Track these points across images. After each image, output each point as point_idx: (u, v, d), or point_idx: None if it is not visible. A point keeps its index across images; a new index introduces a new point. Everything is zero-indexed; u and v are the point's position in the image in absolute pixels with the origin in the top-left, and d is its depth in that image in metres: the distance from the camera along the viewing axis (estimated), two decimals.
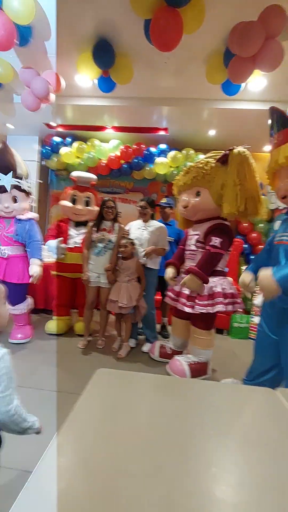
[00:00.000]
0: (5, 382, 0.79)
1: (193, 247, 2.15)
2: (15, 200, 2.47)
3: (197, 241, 2.13)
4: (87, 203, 2.92)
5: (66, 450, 0.51)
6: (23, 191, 2.50)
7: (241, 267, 4.10)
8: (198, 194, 2.05)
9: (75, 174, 2.96)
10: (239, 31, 1.95)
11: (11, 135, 4.63)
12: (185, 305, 2.05)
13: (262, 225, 4.02)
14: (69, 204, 2.85)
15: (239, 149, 1.88)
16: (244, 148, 1.89)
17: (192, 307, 2.01)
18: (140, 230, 2.68)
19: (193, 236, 2.18)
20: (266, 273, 1.31)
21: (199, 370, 2.08)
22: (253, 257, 4.11)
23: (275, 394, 0.78)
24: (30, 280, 2.43)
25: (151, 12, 1.90)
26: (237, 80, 2.34)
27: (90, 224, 2.68)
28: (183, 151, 4.13)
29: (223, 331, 3.48)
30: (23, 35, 2.21)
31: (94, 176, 3.03)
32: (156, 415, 0.67)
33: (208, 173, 1.96)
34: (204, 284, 1.96)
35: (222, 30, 2.25)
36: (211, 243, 1.98)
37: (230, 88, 2.66)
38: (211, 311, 1.95)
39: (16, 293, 2.52)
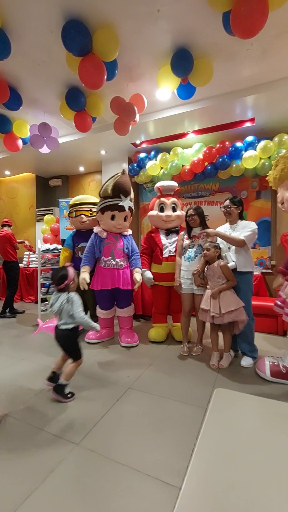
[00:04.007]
0: (80, 307, 1.79)
1: None
2: (125, 219, 2.83)
3: None
4: (174, 209, 2.96)
5: (201, 490, 0.50)
6: (131, 211, 2.89)
7: None
8: None
9: (159, 184, 3.06)
10: None
11: (105, 160, 5.23)
12: None
13: None
14: (158, 212, 2.96)
15: None
16: None
17: None
18: (227, 233, 2.51)
19: None
20: None
21: None
22: None
23: None
24: (135, 287, 2.76)
25: (230, 3, 1.80)
26: None
27: (182, 233, 2.72)
28: (274, 139, 3.70)
29: None
30: (110, 70, 2.46)
31: (175, 183, 3.08)
32: (284, 450, 0.58)
33: None
34: None
35: None
36: None
37: None
38: None
39: (126, 298, 2.94)
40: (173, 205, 2.96)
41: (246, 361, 2.40)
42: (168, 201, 2.95)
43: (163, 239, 2.94)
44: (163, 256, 2.89)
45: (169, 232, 2.97)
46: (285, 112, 3.53)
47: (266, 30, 2.20)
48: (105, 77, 2.38)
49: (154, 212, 2.99)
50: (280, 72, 2.87)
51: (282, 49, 2.51)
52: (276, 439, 0.64)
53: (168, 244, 2.92)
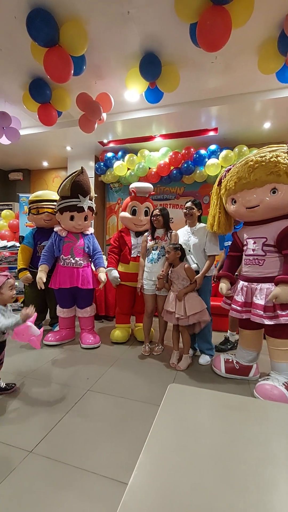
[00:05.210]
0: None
1: (259, 252, 1.99)
2: (85, 219, 2.78)
3: (265, 244, 1.96)
4: (146, 213, 2.97)
5: (149, 482, 0.51)
6: (92, 210, 2.84)
7: None
8: (274, 191, 1.86)
9: (134, 185, 2.99)
10: None
11: (71, 156, 5.08)
12: (262, 317, 1.88)
13: None
14: (130, 215, 2.94)
15: None
16: None
17: (273, 318, 1.85)
18: (187, 235, 2.61)
19: (257, 239, 2.02)
20: None
21: None
22: None
23: None
24: (100, 286, 2.76)
25: (197, 15, 1.88)
26: None
27: (146, 233, 2.75)
28: (235, 149, 3.95)
29: None
30: (78, 65, 2.41)
31: (151, 186, 3.03)
32: (235, 441, 0.62)
33: None
34: None
35: (275, 15, 2.11)
36: None
37: (286, 75, 2.45)
38: None
39: (87, 297, 2.89)
40: (145, 209, 2.96)
41: (203, 359, 2.51)
42: (142, 205, 2.93)
43: (133, 239, 2.95)
44: (131, 256, 2.89)
45: (139, 233, 2.98)
46: (244, 125, 3.78)
47: (230, 46, 2.34)
48: (72, 71, 2.32)
49: (126, 214, 2.96)
50: (241, 87, 3.07)
51: (243, 66, 2.69)
52: (225, 428, 0.68)
53: (137, 244, 2.93)
